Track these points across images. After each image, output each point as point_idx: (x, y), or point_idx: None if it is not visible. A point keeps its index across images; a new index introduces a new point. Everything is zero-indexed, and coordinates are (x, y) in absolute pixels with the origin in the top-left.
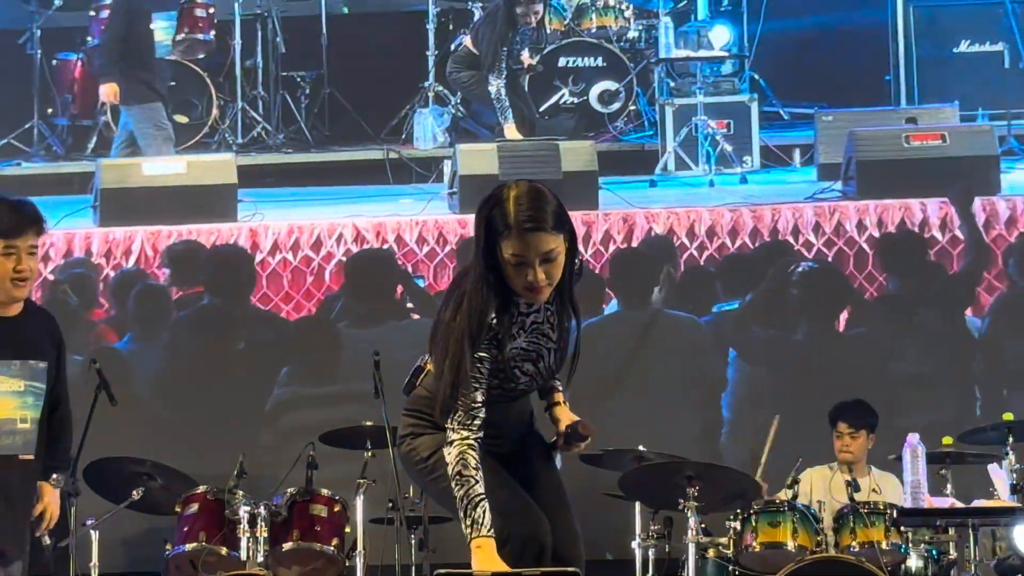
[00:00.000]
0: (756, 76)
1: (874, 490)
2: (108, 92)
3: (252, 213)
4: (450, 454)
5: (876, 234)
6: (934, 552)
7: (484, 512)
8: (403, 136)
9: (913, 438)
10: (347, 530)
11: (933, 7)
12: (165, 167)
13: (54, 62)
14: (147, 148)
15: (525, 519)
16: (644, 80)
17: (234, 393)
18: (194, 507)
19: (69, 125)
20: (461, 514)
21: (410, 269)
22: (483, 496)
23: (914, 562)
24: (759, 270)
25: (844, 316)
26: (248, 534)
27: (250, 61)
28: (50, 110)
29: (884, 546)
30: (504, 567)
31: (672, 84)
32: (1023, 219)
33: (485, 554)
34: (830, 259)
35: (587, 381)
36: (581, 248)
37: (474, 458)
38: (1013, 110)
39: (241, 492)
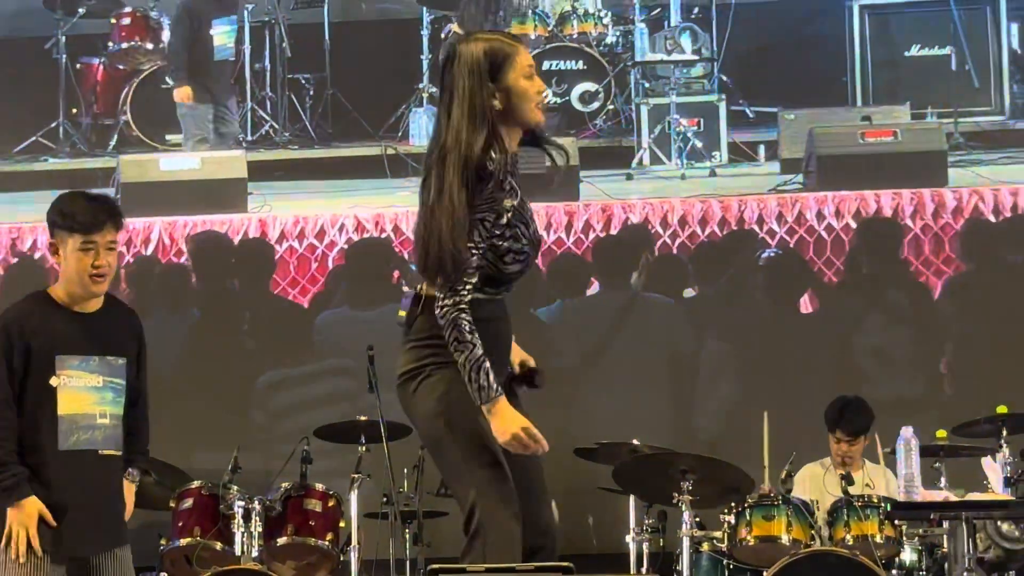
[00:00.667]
0: (724, 78)
1: (867, 485)
2: (180, 95)
3: (261, 205)
4: (444, 318)
5: (834, 223)
6: (928, 546)
7: (487, 374)
8: (399, 133)
9: (907, 431)
10: (342, 525)
11: (886, 15)
12: (181, 162)
13: (78, 66)
14: (184, 143)
15: (507, 508)
16: (621, 82)
17: (230, 387)
18: (189, 502)
19: (92, 124)
20: (467, 380)
21: (406, 256)
22: (483, 357)
23: (908, 555)
24: (727, 256)
25: (805, 298)
26: (243, 529)
27: (259, 64)
28: (74, 110)
29: (878, 539)
30: (524, 422)
31: (647, 85)
32: (968, 208)
33: (503, 416)
34: (791, 246)
35: (570, 358)
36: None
37: (468, 323)
38: (959, 109)
39: (236, 487)
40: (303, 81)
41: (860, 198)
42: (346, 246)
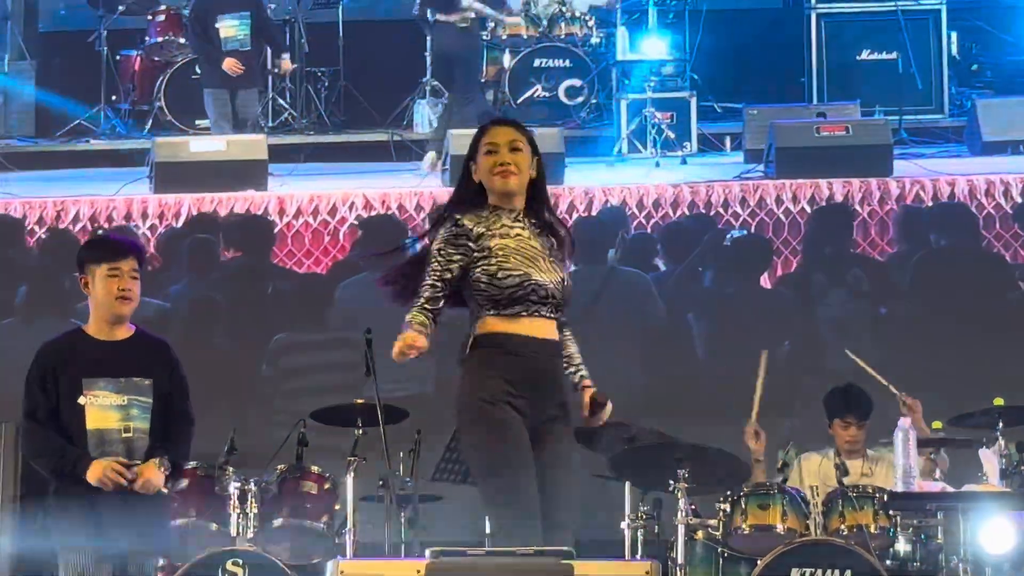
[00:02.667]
0: (695, 77)
1: (864, 474)
2: (230, 65)
3: (280, 184)
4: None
5: (792, 208)
6: (923, 536)
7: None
8: (405, 122)
9: (905, 422)
10: (337, 507)
11: (840, 22)
12: (209, 144)
13: (117, 57)
14: (212, 126)
15: (522, 522)
16: (603, 78)
17: (226, 366)
18: (184, 483)
19: (129, 109)
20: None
21: (409, 232)
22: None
23: (902, 546)
24: (695, 236)
25: (765, 275)
26: (238, 510)
27: (279, 59)
28: (114, 97)
29: (872, 530)
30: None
31: (626, 82)
32: (910, 196)
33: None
34: (753, 228)
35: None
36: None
37: (407, 323)
38: (904, 107)
39: (231, 468)
40: (319, 74)
41: (815, 186)
42: (356, 222)
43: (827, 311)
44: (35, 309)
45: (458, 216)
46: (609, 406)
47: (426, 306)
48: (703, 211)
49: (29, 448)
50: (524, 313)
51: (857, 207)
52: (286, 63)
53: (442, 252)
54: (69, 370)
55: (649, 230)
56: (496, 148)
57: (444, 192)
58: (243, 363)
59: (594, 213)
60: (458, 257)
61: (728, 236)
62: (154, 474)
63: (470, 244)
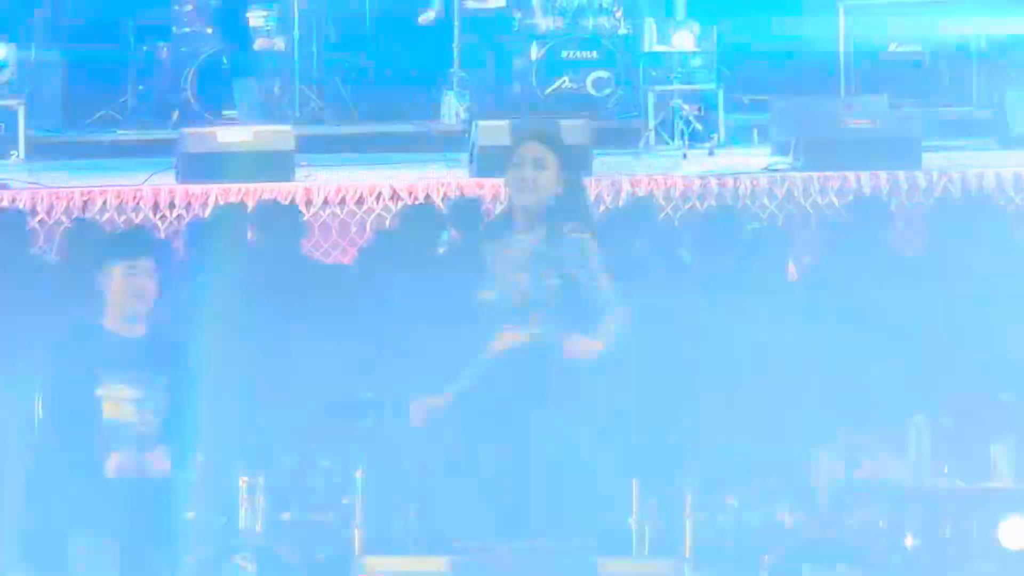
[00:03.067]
0: (723, 68)
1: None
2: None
3: (307, 175)
4: None
5: (819, 200)
6: (932, 531)
7: None
8: (432, 113)
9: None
10: (344, 501)
11: (868, 14)
12: (235, 135)
13: (146, 47)
14: (240, 117)
15: None
16: (631, 70)
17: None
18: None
19: (157, 99)
20: None
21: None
22: None
23: (911, 541)
24: (721, 228)
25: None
26: (246, 504)
27: (307, 49)
28: (141, 87)
29: (882, 524)
30: None
31: (654, 73)
32: (938, 189)
33: None
34: (780, 220)
35: None
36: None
37: None
38: (933, 100)
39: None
40: (347, 64)
41: (843, 178)
42: (383, 213)
43: (851, 304)
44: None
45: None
46: None
47: None
48: (729, 203)
49: None
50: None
51: (885, 200)
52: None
53: None
54: (85, 364)
55: (676, 222)
56: (521, 162)
57: (470, 183)
58: (269, 355)
59: (620, 204)
60: None
61: (751, 228)
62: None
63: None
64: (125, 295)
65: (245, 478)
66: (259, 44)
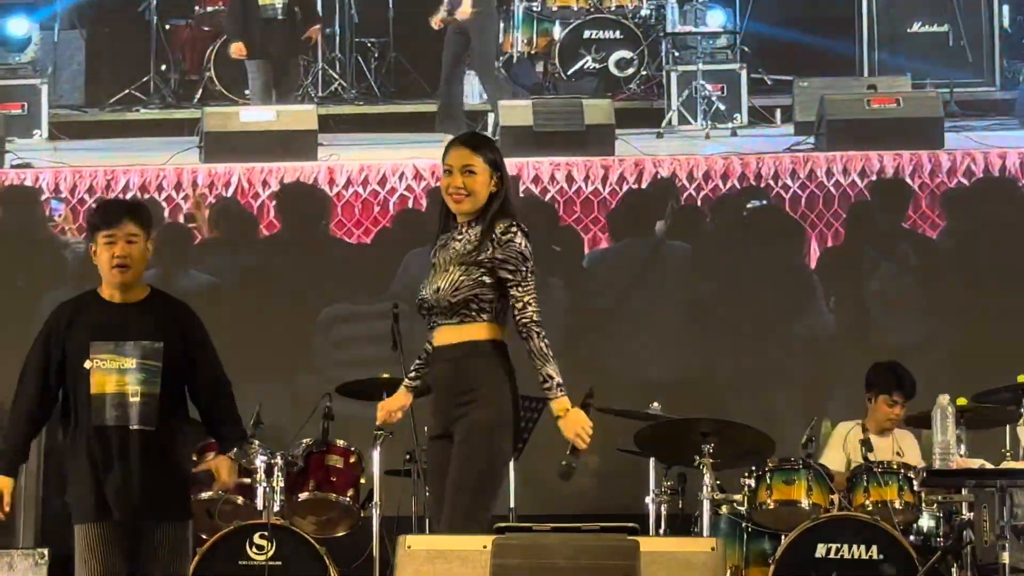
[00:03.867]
0: (745, 49)
1: (897, 453)
2: (235, 50)
3: (329, 155)
4: None
5: (842, 180)
6: (947, 512)
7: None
8: None
9: (943, 399)
10: (362, 481)
11: None
12: (259, 114)
13: (167, 26)
14: (251, 96)
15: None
16: (653, 50)
17: (276, 338)
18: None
19: (179, 79)
20: None
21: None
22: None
23: (926, 522)
24: (743, 208)
25: (814, 247)
26: (265, 484)
27: (329, 29)
28: (163, 66)
29: (897, 505)
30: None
31: (676, 54)
32: (960, 168)
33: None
34: (803, 199)
35: (606, 296)
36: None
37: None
38: (955, 80)
39: (257, 442)
40: (369, 45)
41: (865, 158)
42: (406, 192)
43: (874, 285)
44: (82, 278)
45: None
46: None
47: None
48: (752, 183)
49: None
50: (430, 327)
51: (907, 180)
52: (314, 32)
53: None
54: (76, 332)
55: (699, 202)
56: (451, 170)
57: None
58: (295, 334)
59: (644, 185)
60: None
61: (756, 206)
62: (229, 472)
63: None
64: (108, 264)
65: (264, 458)
66: (234, 45)
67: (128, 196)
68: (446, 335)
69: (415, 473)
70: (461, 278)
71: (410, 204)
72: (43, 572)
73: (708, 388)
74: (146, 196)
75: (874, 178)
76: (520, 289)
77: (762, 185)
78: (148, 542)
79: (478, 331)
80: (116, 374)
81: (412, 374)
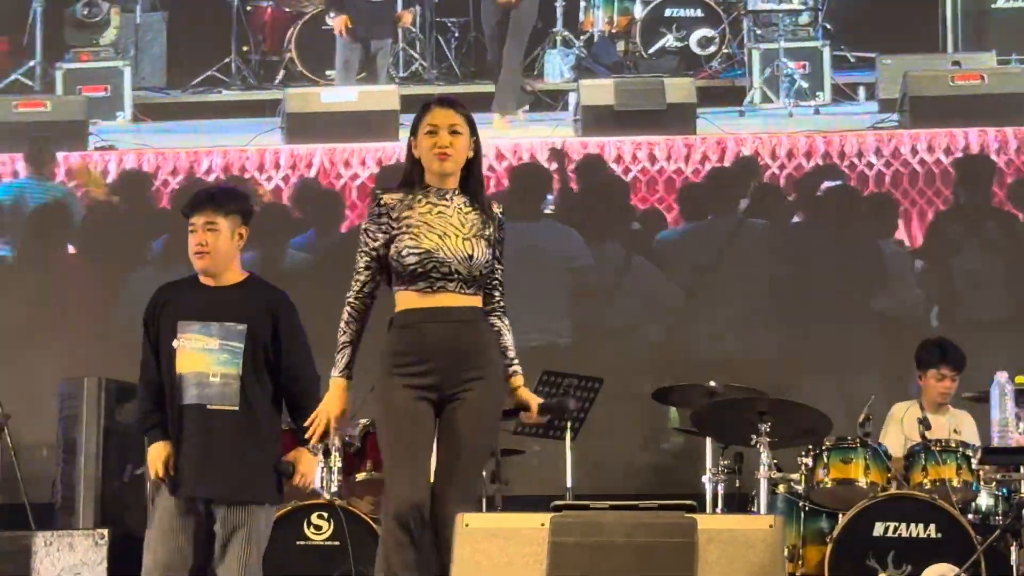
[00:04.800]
0: (828, 26)
1: (955, 431)
2: (338, 24)
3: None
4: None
5: (927, 158)
6: (1006, 491)
7: (340, 355)
8: (535, 72)
9: (1002, 376)
10: None
11: None
12: (340, 95)
13: (248, 8)
14: (338, 77)
15: (402, 482)
16: (735, 28)
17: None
18: None
19: (260, 60)
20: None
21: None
22: (343, 343)
23: (985, 500)
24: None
25: (900, 225)
26: (322, 464)
27: (411, 9)
28: (245, 48)
29: (955, 484)
30: (339, 406)
31: (758, 32)
32: None
33: (331, 392)
34: (888, 177)
35: (688, 275)
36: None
37: (347, 313)
38: None
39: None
40: (449, 25)
41: (949, 135)
42: (488, 172)
43: (961, 263)
44: (171, 257)
45: (379, 193)
46: (532, 410)
47: (353, 314)
48: (835, 161)
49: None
50: (429, 289)
51: (993, 157)
52: (406, 15)
53: (368, 231)
54: (169, 312)
55: (782, 181)
56: (436, 130)
57: (574, 142)
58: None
59: (726, 164)
60: (380, 235)
61: (824, 186)
62: (307, 465)
63: (391, 221)
64: (191, 252)
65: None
66: (337, 19)
67: (211, 178)
68: (455, 299)
69: None
70: (487, 253)
71: (492, 185)
72: (103, 552)
73: (783, 367)
74: (228, 176)
75: (959, 155)
76: (500, 272)
77: (845, 164)
78: (222, 525)
79: (480, 303)
80: (200, 353)
81: (350, 365)
